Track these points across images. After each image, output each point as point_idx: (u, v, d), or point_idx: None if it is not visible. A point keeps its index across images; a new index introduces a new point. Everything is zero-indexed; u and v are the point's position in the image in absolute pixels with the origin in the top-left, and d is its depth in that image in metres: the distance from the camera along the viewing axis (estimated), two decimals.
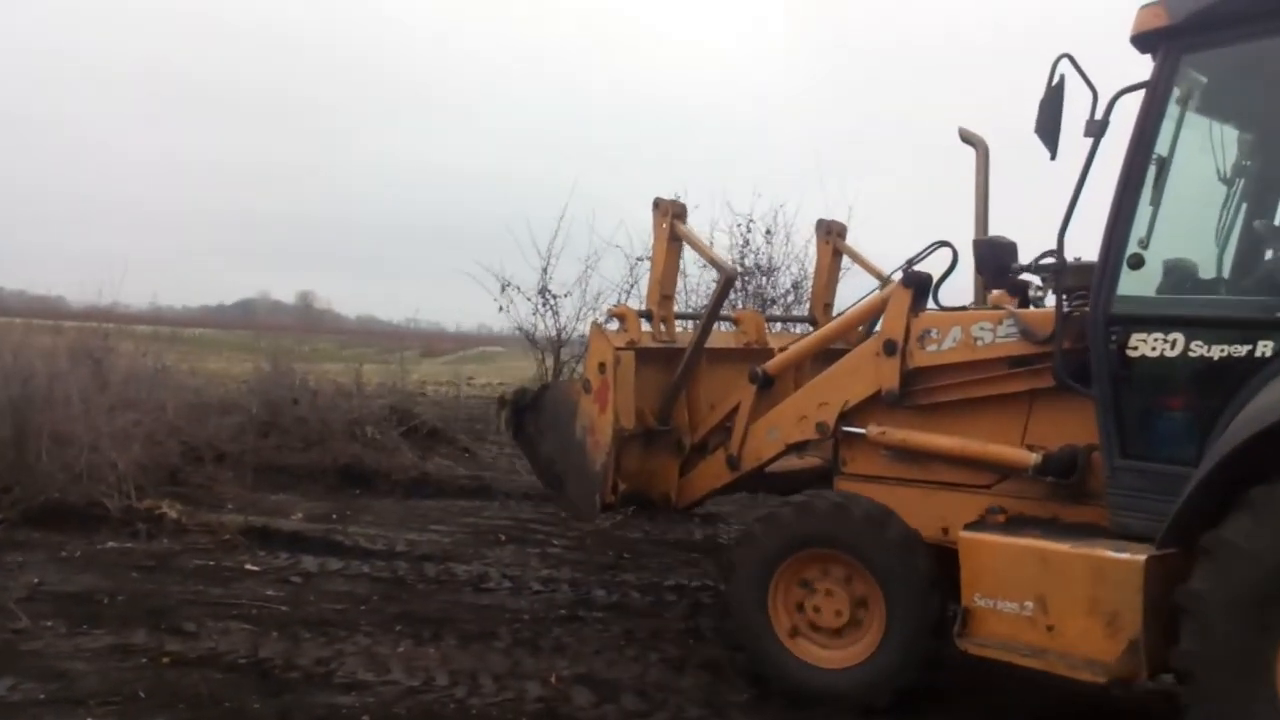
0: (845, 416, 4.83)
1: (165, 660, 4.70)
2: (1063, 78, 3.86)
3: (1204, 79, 3.81)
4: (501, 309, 12.05)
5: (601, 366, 5.55)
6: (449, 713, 4.27)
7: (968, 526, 4.18)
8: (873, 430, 4.68)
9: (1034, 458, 4.14)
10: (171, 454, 8.73)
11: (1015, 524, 4.14)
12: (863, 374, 4.77)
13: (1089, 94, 3.84)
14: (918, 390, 4.58)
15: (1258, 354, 3.43)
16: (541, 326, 12.20)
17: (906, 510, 4.44)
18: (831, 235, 6.88)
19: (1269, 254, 3.88)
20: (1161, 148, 3.71)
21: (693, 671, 4.86)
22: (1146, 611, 3.45)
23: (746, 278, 11.96)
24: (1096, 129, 3.81)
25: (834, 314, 6.83)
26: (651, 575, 6.70)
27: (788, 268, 12.23)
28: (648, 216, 6.08)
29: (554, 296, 11.90)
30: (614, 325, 6.06)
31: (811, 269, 7.78)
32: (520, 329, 12.23)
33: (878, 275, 6.45)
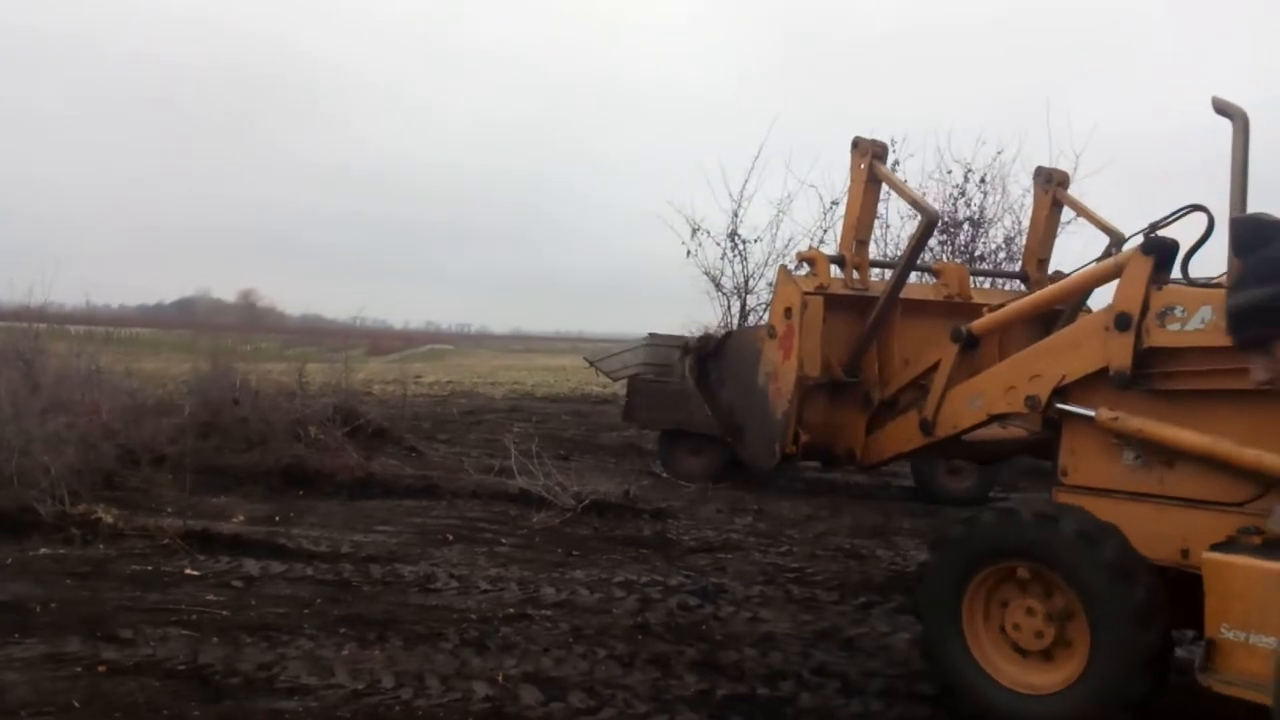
0: (1061, 394, 4.29)
1: (101, 669, 4.57)
2: None
3: None
4: (690, 253, 11.88)
5: (788, 311, 5.35)
6: (394, 715, 4.22)
7: (1214, 547, 3.63)
8: (1103, 414, 4.11)
9: None
10: (107, 457, 8.52)
11: (1273, 546, 3.56)
12: (1088, 348, 4.19)
13: None
14: (1155, 374, 4.01)
15: None
16: (729, 272, 12.11)
17: (1137, 528, 3.90)
18: (1051, 185, 6.32)
19: None
20: None
21: (641, 667, 4.87)
22: None
23: (955, 230, 11.60)
24: None
25: (1049, 271, 6.40)
26: (600, 572, 6.70)
27: (1000, 220, 11.74)
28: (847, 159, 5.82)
29: (743, 241, 11.82)
30: (803, 270, 5.89)
31: (1027, 223, 7.25)
32: (707, 273, 11.97)
33: (1110, 232, 6.02)
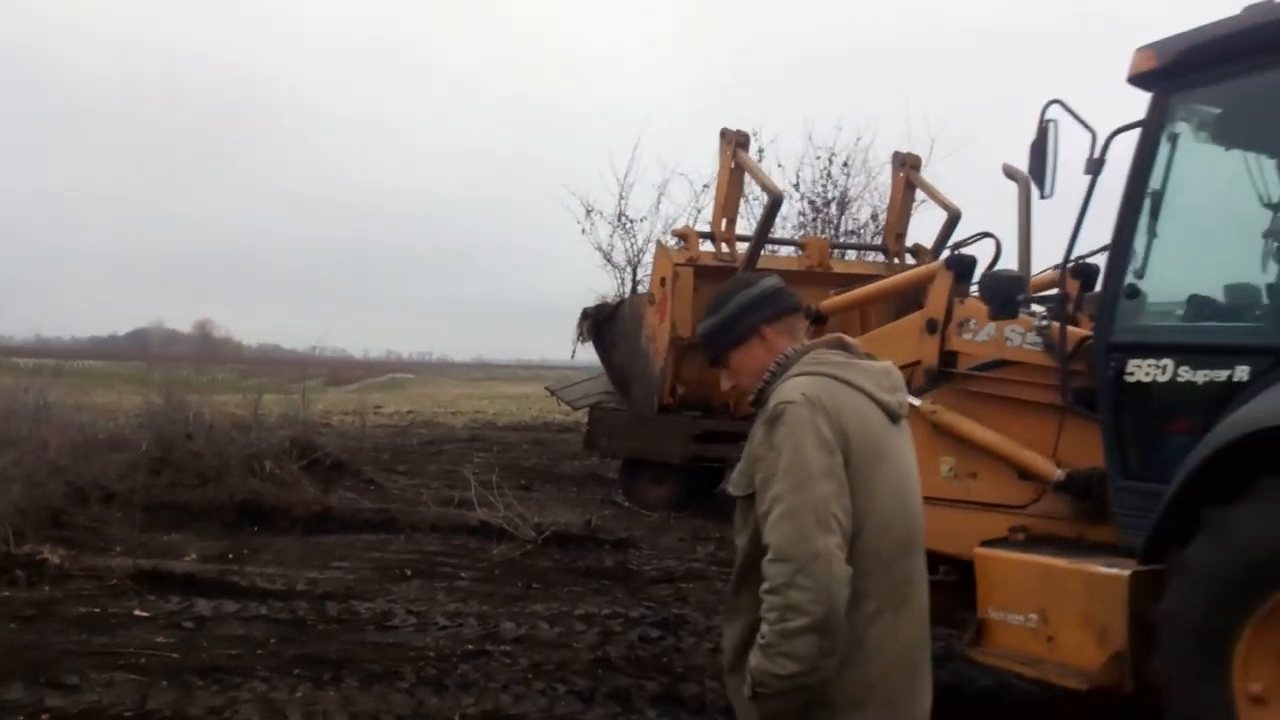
0: None
1: (45, 716, 4.44)
2: (1051, 122, 3.98)
3: (1211, 111, 3.95)
4: (584, 231, 13.43)
5: (663, 280, 6.28)
6: None
7: (985, 543, 4.18)
8: (925, 405, 4.59)
9: (1059, 473, 4.14)
10: (54, 495, 8.32)
11: (1033, 542, 4.14)
12: (907, 343, 4.77)
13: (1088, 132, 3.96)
14: (955, 374, 4.64)
15: (1235, 379, 3.51)
16: (620, 248, 13.62)
17: (943, 529, 4.19)
18: (905, 167, 7.20)
19: (1247, 282, 3.95)
20: (1156, 182, 3.83)
21: (601, 702, 4.83)
22: (1131, 625, 3.53)
23: (824, 208, 13.13)
24: (1094, 167, 3.93)
25: (908, 244, 7.29)
26: (561, 605, 6.64)
27: (867, 199, 13.29)
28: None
29: (630, 220, 13.34)
30: (678, 244, 6.70)
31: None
32: (599, 249, 13.51)
33: (949, 209, 6.81)
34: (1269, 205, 3.78)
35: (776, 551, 1.91)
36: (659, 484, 11.09)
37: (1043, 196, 4.08)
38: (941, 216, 7.62)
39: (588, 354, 9.52)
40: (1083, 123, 4.00)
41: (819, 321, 5.62)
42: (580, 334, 9.40)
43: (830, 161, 13.20)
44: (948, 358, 4.64)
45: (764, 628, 1.91)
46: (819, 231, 12.48)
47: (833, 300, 5.77)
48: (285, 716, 4.51)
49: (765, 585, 1.91)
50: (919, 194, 7.58)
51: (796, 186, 13.48)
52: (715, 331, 2.20)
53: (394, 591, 6.85)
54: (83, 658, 5.24)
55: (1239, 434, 3.20)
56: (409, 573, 7.43)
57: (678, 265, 6.19)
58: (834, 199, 13.31)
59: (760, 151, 12.28)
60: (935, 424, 4.54)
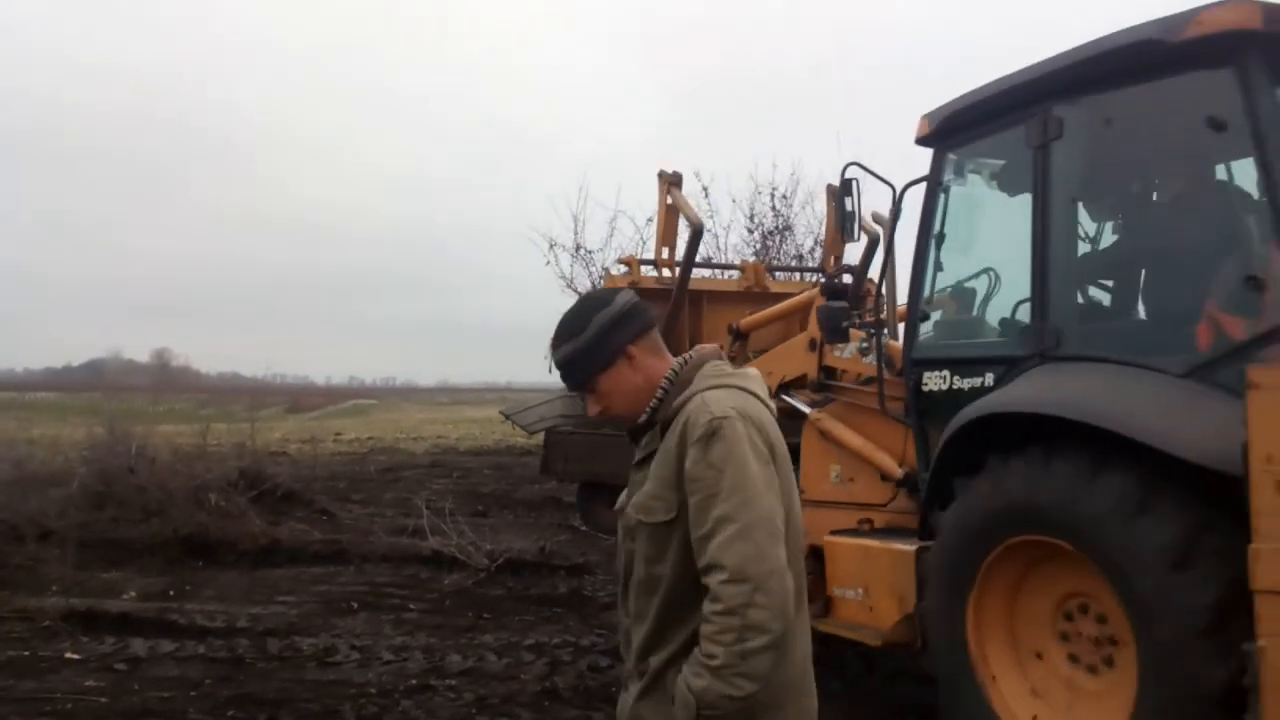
0: (786, 389, 5.57)
1: None
2: (852, 180, 4.84)
3: (987, 163, 4.67)
4: (548, 263, 14.61)
5: None
6: None
7: (833, 532, 4.91)
8: (813, 414, 5.31)
9: (900, 472, 4.81)
10: None
11: (877, 532, 4.87)
12: (796, 359, 5.57)
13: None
14: (832, 386, 5.38)
15: (985, 384, 4.18)
16: (582, 275, 14.57)
17: (825, 525, 4.98)
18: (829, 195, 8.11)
19: (993, 304, 4.70)
20: (938, 225, 4.60)
21: None
22: (918, 590, 4.25)
23: (772, 237, 14.70)
24: (893, 215, 4.94)
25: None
26: (511, 635, 6.50)
27: (810, 227, 14.57)
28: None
29: (588, 251, 14.50)
30: (624, 271, 7.66)
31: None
32: (562, 277, 14.69)
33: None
34: (1013, 240, 4.23)
35: (735, 573, 1.83)
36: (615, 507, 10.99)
37: (845, 241, 5.49)
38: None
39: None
40: (881, 179, 4.86)
41: (740, 337, 6.37)
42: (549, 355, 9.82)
43: (772, 195, 14.85)
44: (828, 371, 5.40)
45: (712, 649, 1.83)
46: (765, 257, 14.16)
47: (749, 319, 6.49)
48: None
49: (717, 607, 1.84)
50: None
51: (751, 218, 14.96)
52: (577, 357, 2.08)
53: (339, 626, 6.67)
54: (7, 704, 5.04)
55: (960, 423, 3.98)
56: (356, 605, 7.26)
57: (614, 284, 7.17)
58: (779, 228, 14.87)
59: (705, 189, 14.10)
60: (820, 431, 5.21)
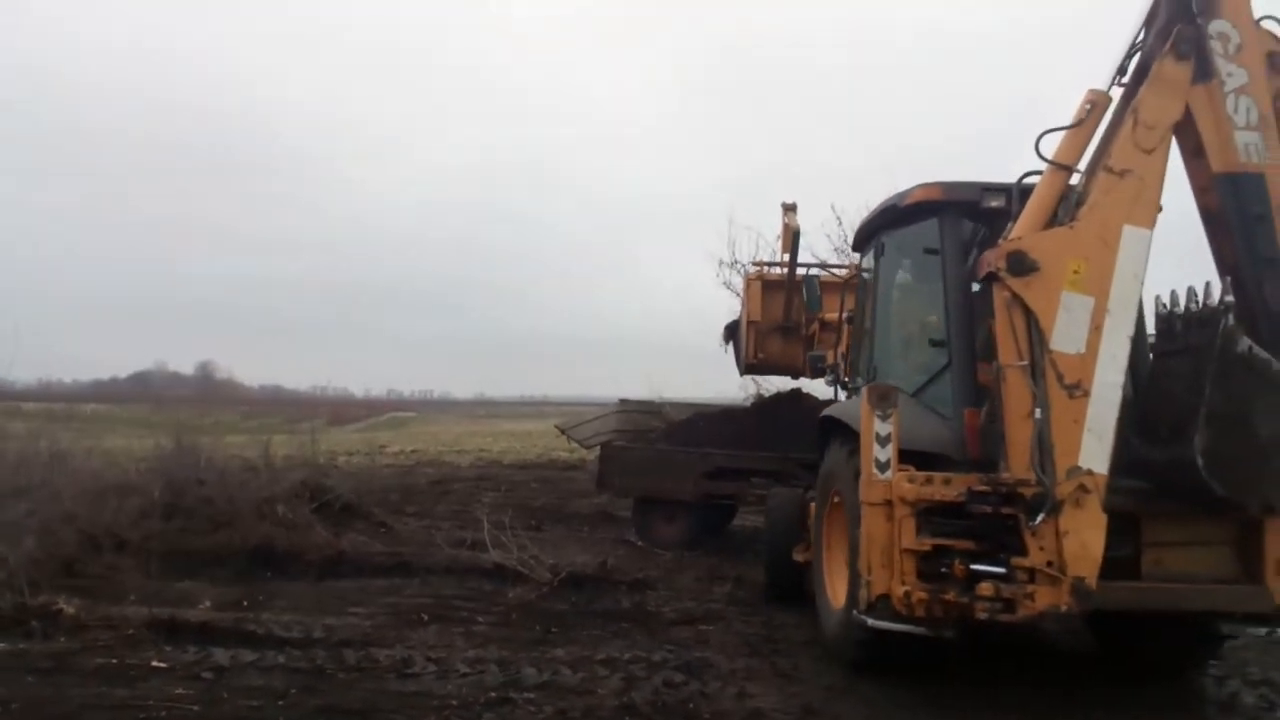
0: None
1: None
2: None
3: (904, 259, 7.08)
4: (718, 276, 19.33)
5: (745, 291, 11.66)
6: None
7: None
8: None
9: None
10: (68, 544, 8.27)
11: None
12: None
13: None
14: None
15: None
16: (736, 280, 18.05)
17: None
18: None
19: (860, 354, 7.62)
20: (869, 308, 7.24)
21: None
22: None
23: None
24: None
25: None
26: (581, 649, 6.57)
27: None
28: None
29: (742, 265, 18.17)
30: (755, 270, 11.98)
31: None
32: (727, 286, 18.95)
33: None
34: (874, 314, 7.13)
35: None
36: (672, 522, 11.06)
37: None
38: None
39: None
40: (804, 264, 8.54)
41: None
42: (725, 340, 12.99)
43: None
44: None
45: None
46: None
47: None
48: None
49: None
50: None
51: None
52: None
53: (412, 637, 6.78)
54: (103, 711, 5.19)
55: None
56: (426, 618, 7.37)
57: (750, 279, 11.62)
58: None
59: (839, 219, 18.01)
60: None
